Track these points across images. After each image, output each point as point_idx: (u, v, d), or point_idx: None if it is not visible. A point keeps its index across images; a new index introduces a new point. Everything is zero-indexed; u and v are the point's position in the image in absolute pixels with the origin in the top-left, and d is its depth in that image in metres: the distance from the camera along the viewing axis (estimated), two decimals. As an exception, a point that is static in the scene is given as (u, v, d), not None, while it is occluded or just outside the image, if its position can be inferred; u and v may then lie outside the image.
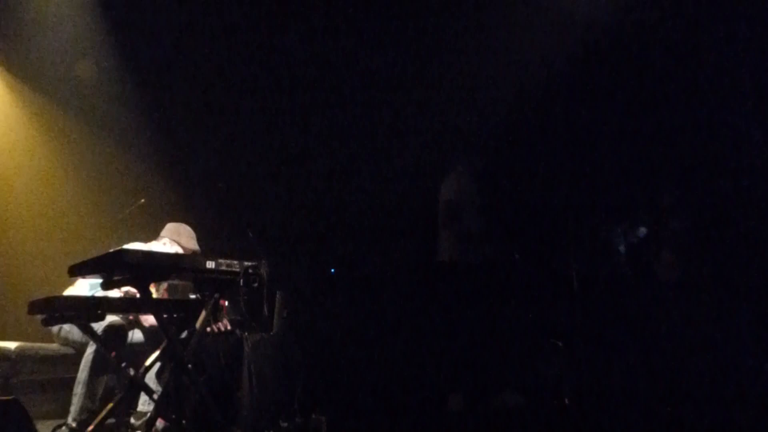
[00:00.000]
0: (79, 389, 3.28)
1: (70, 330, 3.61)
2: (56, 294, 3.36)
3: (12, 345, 3.69)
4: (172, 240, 3.89)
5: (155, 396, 2.92)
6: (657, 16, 4.98)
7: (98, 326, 3.12)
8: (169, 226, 3.97)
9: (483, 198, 4.57)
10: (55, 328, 3.62)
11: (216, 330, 3.40)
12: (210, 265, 2.84)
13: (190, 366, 2.78)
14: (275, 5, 5.48)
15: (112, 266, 2.68)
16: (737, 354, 4.34)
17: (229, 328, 3.65)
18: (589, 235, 5.01)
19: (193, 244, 3.93)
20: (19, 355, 3.65)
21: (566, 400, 4.09)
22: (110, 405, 2.75)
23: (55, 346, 3.75)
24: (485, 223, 4.51)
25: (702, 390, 4.21)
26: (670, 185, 5.09)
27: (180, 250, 3.86)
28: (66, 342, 3.68)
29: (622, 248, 5.11)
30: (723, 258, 4.92)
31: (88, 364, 3.31)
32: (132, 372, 2.86)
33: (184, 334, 3.22)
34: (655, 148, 5.14)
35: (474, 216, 4.49)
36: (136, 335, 3.63)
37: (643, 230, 5.03)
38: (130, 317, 3.59)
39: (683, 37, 4.93)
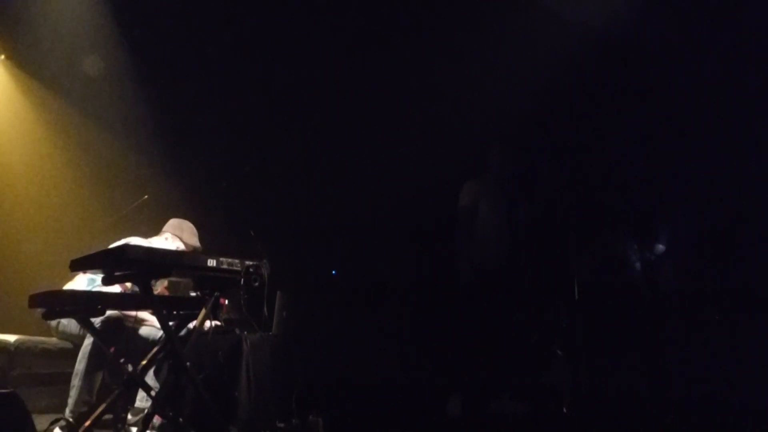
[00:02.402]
0: (76, 381, 3.28)
1: (67, 324, 3.61)
2: (57, 288, 3.37)
3: (11, 338, 3.69)
4: (174, 235, 3.89)
5: (153, 393, 2.92)
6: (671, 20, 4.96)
7: (95, 320, 3.12)
8: (172, 222, 3.98)
9: (500, 207, 4.57)
10: (53, 322, 3.62)
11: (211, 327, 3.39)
12: (211, 263, 2.83)
13: (188, 364, 2.78)
14: (282, 4, 5.49)
15: (114, 262, 2.68)
16: (739, 363, 4.33)
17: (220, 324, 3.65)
18: (592, 243, 5.00)
19: (194, 241, 3.94)
20: (18, 349, 3.65)
21: (564, 408, 4.08)
22: (108, 400, 2.75)
23: (54, 340, 3.75)
24: (500, 232, 4.51)
25: (702, 399, 4.20)
26: (674, 194, 5.08)
27: (181, 246, 3.86)
28: (64, 336, 3.69)
29: (624, 256, 5.09)
30: (726, 268, 4.91)
31: (86, 356, 3.31)
32: (130, 368, 2.85)
33: (183, 332, 3.21)
34: (661, 156, 5.14)
35: (490, 224, 4.49)
36: (141, 331, 3.63)
37: (647, 239, 5.01)
38: (131, 318, 3.58)
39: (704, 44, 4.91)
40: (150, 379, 3.30)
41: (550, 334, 4.68)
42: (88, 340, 3.35)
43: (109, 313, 3.28)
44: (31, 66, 5.18)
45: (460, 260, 4.48)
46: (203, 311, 2.92)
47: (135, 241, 3.64)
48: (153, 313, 3.32)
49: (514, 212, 4.59)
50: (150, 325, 3.62)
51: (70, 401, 3.25)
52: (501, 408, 4.19)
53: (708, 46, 4.90)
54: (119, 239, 3.60)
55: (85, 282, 3.59)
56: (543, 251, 4.90)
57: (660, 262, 4.93)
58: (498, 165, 4.64)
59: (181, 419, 2.92)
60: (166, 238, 3.88)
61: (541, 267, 4.88)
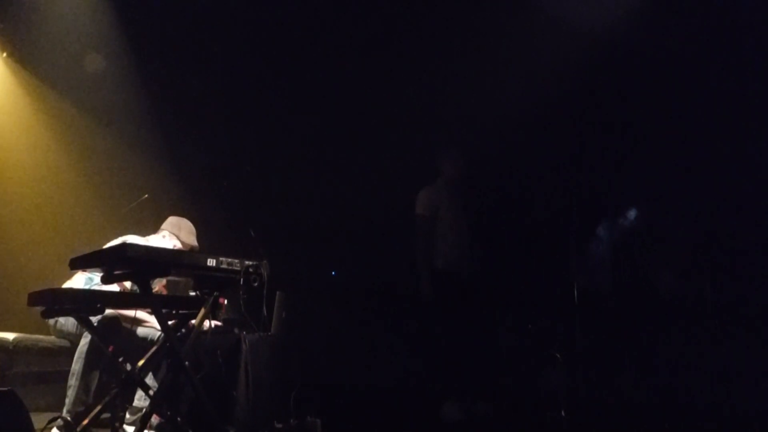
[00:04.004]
0: (73, 381, 3.27)
1: (65, 323, 3.60)
2: (56, 286, 3.36)
3: (10, 336, 3.69)
4: (171, 233, 3.88)
5: (151, 392, 2.91)
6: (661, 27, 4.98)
7: (93, 318, 3.11)
8: (171, 220, 3.97)
9: (457, 212, 4.56)
10: (51, 321, 3.61)
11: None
12: (211, 262, 2.83)
13: (186, 363, 2.77)
14: (282, 4, 5.50)
15: (114, 260, 2.67)
16: (737, 369, 4.33)
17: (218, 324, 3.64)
18: (592, 248, 5.01)
19: (192, 240, 3.93)
20: (17, 347, 3.65)
21: (562, 413, 4.07)
22: (106, 399, 2.75)
23: (52, 338, 3.75)
24: (459, 236, 4.50)
25: (700, 405, 4.20)
26: (672, 198, 5.09)
27: (178, 245, 3.85)
28: (61, 334, 3.68)
29: (624, 262, 5.10)
30: (723, 275, 4.91)
31: (82, 355, 3.30)
32: (129, 367, 2.85)
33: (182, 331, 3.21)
34: (659, 158, 5.14)
35: (448, 230, 4.48)
36: (139, 331, 3.62)
37: (646, 244, 5.02)
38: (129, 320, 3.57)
39: (692, 47, 4.92)
40: (148, 378, 3.29)
41: (548, 338, 4.68)
42: (84, 340, 3.34)
43: (107, 311, 3.27)
44: (32, 64, 5.18)
45: (421, 268, 4.46)
46: (202, 311, 2.91)
47: (132, 239, 3.63)
48: (151, 313, 3.31)
49: (475, 214, 4.59)
50: (149, 327, 3.61)
51: (68, 401, 3.24)
52: (498, 412, 4.18)
53: (709, 49, 4.91)
54: (117, 238, 3.60)
55: (83, 281, 3.58)
56: (535, 253, 4.90)
57: (652, 263, 4.94)
58: (452, 170, 4.63)
59: (179, 419, 2.92)
60: (164, 236, 3.87)
61: (535, 269, 4.88)
